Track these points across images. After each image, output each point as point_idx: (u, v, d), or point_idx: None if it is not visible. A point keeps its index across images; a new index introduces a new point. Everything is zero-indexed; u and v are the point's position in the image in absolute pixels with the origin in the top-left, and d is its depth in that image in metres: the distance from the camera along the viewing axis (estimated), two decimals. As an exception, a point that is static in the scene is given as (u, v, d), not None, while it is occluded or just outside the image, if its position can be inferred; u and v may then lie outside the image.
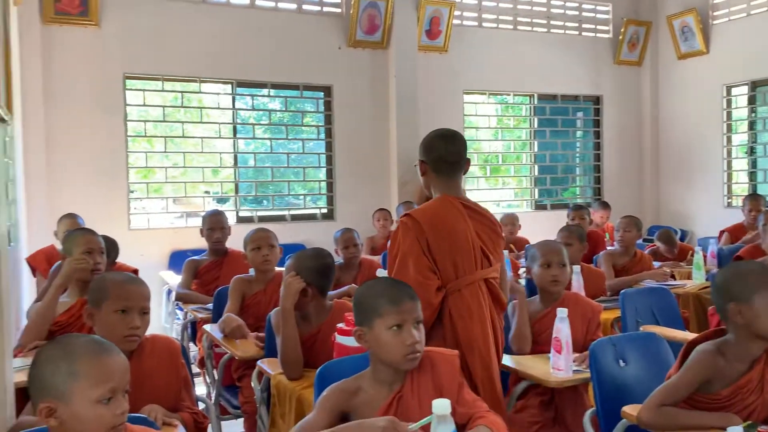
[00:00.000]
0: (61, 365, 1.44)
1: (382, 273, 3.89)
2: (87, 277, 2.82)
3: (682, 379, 1.94)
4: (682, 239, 7.09)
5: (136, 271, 3.61)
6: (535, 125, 7.92)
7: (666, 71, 8.21)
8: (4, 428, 1.86)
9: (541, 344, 2.78)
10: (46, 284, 3.42)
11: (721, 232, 5.75)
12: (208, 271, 4.20)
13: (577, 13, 8.01)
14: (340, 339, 2.32)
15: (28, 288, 4.63)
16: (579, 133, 8.46)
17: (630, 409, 2.00)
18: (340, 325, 2.37)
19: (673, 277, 4.62)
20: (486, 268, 2.42)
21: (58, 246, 4.29)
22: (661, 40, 8.19)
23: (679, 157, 8.13)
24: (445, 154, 2.49)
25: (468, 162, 2.57)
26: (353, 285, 4.02)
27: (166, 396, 2.09)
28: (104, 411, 1.44)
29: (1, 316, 1.91)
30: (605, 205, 6.76)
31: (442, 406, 1.35)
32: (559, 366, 2.41)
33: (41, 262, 4.24)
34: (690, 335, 2.96)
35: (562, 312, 2.44)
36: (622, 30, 8.02)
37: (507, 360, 2.66)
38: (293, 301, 2.54)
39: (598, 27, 8.16)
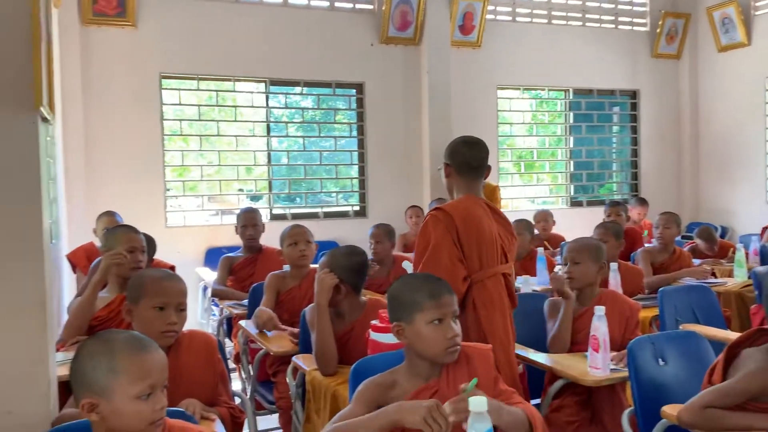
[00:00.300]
0: (101, 361, 1.46)
1: (407, 266, 3.87)
2: (126, 273, 2.86)
3: (737, 387, 1.88)
4: (722, 236, 6.93)
5: (172, 268, 3.66)
6: (571, 120, 7.81)
7: (706, 64, 8.02)
8: (48, 420, 1.90)
9: (577, 344, 2.75)
10: (85, 280, 3.49)
11: (764, 229, 5.60)
12: (242, 268, 4.25)
13: (613, 5, 7.87)
14: (374, 336, 2.32)
15: (68, 284, 4.74)
16: (615, 128, 8.32)
17: (670, 409, 1.96)
18: (374, 322, 2.38)
19: (713, 274, 4.51)
20: (504, 264, 2.63)
21: (98, 243, 4.37)
22: (700, 33, 8.00)
23: (719, 152, 7.93)
24: (470, 159, 2.69)
25: (489, 168, 2.75)
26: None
27: (203, 391, 2.12)
28: (143, 407, 1.45)
29: (44, 311, 1.95)
30: (642, 202, 6.64)
31: (479, 403, 1.34)
32: (597, 364, 2.37)
33: (81, 259, 4.33)
34: (732, 334, 2.89)
35: (599, 310, 2.40)
36: (660, 23, 7.86)
37: (543, 358, 2.64)
38: (327, 297, 2.55)
39: (635, 20, 8.01)
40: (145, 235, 3.35)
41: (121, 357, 1.47)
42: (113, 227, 3.24)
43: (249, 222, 4.30)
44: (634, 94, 8.10)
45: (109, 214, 4.48)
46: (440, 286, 1.86)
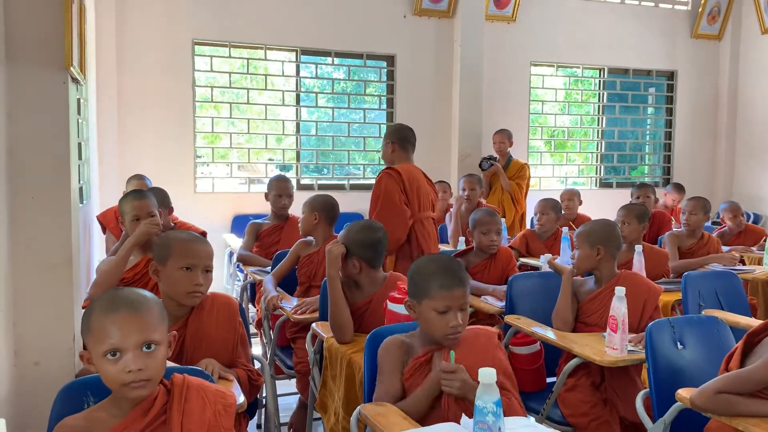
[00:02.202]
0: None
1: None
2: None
3: (754, 374, 1.85)
4: (755, 223, 6.79)
5: (204, 234, 3.68)
6: (605, 100, 7.67)
7: (748, 46, 7.79)
8: (72, 373, 1.97)
9: (591, 324, 2.73)
10: (117, 244, 3.54)
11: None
12: (268, 235, 4.28)
13: (654, -17, 7.67)
14: (391, 306, 2.34)
15: (98, 244, 4.84)
16: (650, 110, 8.15)
17: (685, 392, 1.95)
18: (392, 293, 2.39)
19: (742, 261, 4.43)
20: (432, 212, 3.83)
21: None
22: (744, 13, 7.76)
23: (756, 138, 7.74)
24: (410, 137, 3.86)
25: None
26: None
27: (223, 351, 2.16)
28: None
29: (71, 268, 2.01)
30: (680, 188, 6.51)
31: (488, 374, 1.35)
32: (614, 345, 2.36)
33: (111, 220, 4.40)
34: (756, 322, 2.84)
35: (620, 291, 2.38)
36: (702, 2, 7.64)
37: (559, 337, 2.63)
38: (336, 267, 2.58)
39: (677, -2, 7.80)
40: (156, 188, 3.38)
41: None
42: (125, 194, 3.25)
43: (284, 191, 4.31)
44: (671, 76, 7.91)
45: (139, 178, 4.54)
46: (455, 278, 1.91)
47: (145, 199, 3.06)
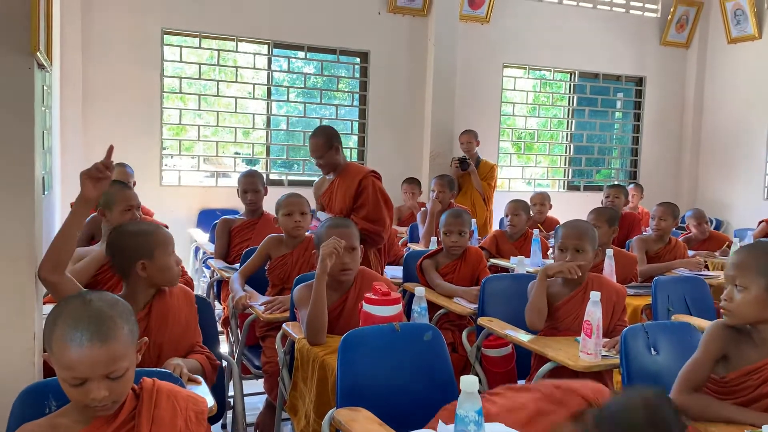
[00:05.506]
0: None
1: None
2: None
3: (699, 356, 1.93)
4: (717, 229, 6.93)
5: (166, 227, 3.61)
6: (574, 104, 7.75)
7: (714, 55, 7.95)
8: (32, 373, 1.87)
9: (563, 329, 2.72)
10: (95, 247, 3.42)
11: (760, 222, 5.58)
12: (240, 231, 4.18)
13: (625, -11, 7.76)
14: (367, 308, 2.30)
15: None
16: (618, 115, 8.26)
17: (660, 399, 1.95)
18: (367, 294, 2.35)
19: (706, 267, 4.50)
20: None
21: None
22: (711, 23, 7.92)
23: (720, 145, 7.90)
24: (340, 138, 3.90)
25: None
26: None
27: (186, 331, 2.21)
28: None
29: (34, 262, 1.91)
30: (639, 187, 6.67)
31: (469, 383, 1.32)
32: (588, 349, 2.35)
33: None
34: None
35: (595, 295, 2.37)
36: (672, 10, 7.76)
37: (532, 340, 2.62)
38: (327, 267, 2.47)
39: (647, 5, 7.91)
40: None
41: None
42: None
43: (249, 187, 4.22)
44: (639, 81, 8.03)
45: (120, 166, 4.45)
46: None
47: (130, 190, 3.15)
